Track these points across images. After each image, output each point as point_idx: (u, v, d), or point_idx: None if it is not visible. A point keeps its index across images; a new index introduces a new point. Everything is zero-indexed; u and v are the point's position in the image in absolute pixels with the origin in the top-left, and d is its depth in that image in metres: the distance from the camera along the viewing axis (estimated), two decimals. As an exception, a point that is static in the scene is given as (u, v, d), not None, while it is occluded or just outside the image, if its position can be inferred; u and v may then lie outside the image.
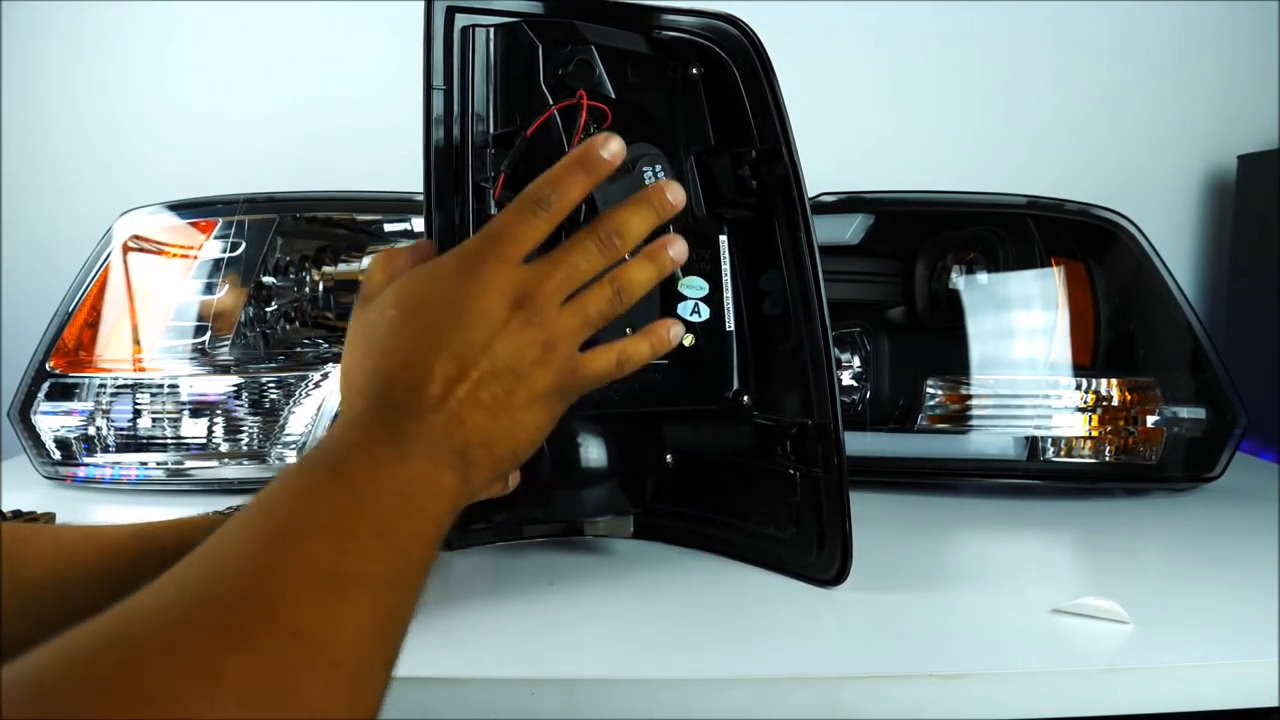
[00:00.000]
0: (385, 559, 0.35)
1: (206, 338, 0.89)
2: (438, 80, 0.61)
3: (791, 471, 0.64)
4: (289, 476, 0.36)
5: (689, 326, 0.64)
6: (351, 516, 0.35)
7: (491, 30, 0.62)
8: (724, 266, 0.66)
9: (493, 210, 0.62)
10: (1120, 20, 1.25)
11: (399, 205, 0.93)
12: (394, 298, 0.45)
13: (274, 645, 0.29)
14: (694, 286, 0.65)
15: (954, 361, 0.89)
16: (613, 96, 0.62)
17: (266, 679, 0.28)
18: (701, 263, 0.65)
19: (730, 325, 0.66)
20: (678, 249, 0.51)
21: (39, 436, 0.89)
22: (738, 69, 0.65)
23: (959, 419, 0.89)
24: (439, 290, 0.45)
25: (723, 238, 0.66)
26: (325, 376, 0.89)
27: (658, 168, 0.59)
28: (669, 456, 0.69)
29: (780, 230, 0.64)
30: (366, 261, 0.94)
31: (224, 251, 0.90)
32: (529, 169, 0.61)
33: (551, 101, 0.59)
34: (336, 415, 0.43)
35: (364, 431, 0.40)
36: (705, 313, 0.65)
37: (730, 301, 0.66)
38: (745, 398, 0.66)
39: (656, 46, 0.66)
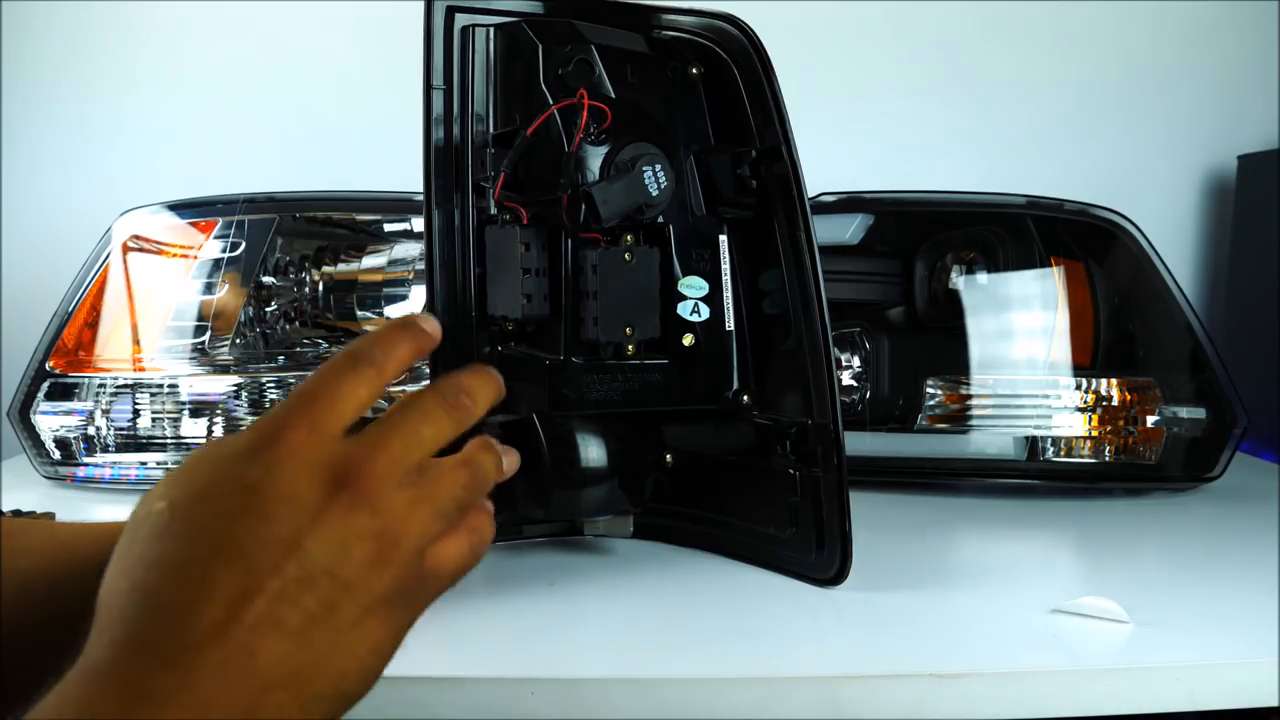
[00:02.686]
0: None
1: (206, 338, 0.89)
2: (438, 80, 0.61)
3: (791, 471, 0.64)
4: None
5: (689, 326, 0.64)
6: None
7: (491, 30, 0.62)
8: (723, 266, 0.66)
9: (493, 210, 0.62)
10: (1120, 20, 1.25)
11: (399, 205, 0.93)
12: (164, 487, 0.33)
13: None
14: (694, 286, 0.65)
15: (954, 361, 0.89)
16: (612, 96, 0.62)
17: None
18: (701, 262, 0.65)
19: (730, 325, 0.66)
20: (511, 460, 0.40)
21: (39, 436, 0.89)
22: (738, 69, 0.65)
23: (959, 419, 0.89)
24: (227, 473, 0.32)
25: (722, 237, 0.66)
26: (325, 376, 0.89)
27: (657, 167, 0.59)
28: (669, 456, 0.69)
29: (780, 230, 0.64)
30: (366, 261, 0.94)
31: (224, 251, 0.90)
32: (529, 169, 0.61)
33: (551, 101, 0.59)
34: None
35: (99, 690, 0.28)
36: (705, 312, 0.65)
37: (730, 301, 0.66)
38: (745, 397, 0.67)
39: (657, 46, 0.66)
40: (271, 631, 0.30)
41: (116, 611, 0.31)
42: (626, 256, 0.61)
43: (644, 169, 0.58)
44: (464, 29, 0.62)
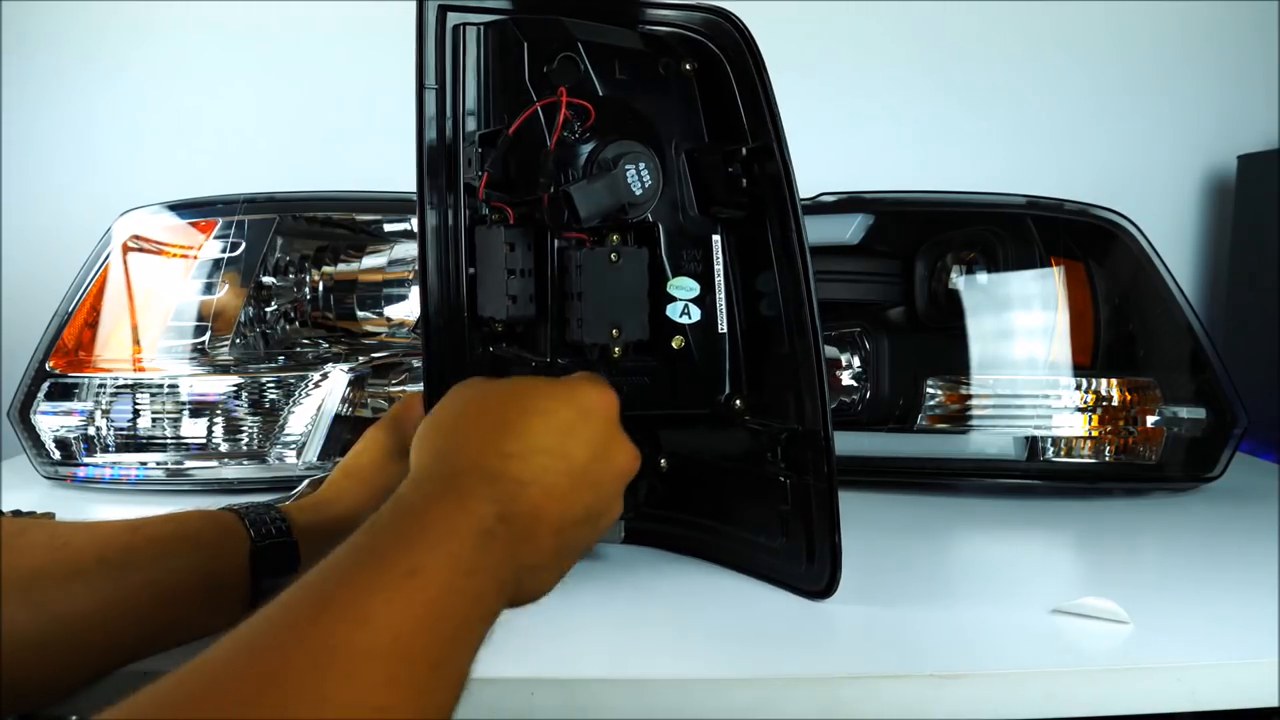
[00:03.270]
0: (439, 687, 0.34)
1: (206, 338, 0.89)
2: (430, 79, 0.61)
3: (782, 479, 0.63)
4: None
5: (678, 329, 0.64)
6: (416, 633, 0.34)
7: (482, 28, 0.62)
8: (716, 267, 0.65)
9: (483, 210, 0.62)
10: (1120, 20, 1.25)
11: (398, 205, 0.93)
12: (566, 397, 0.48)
13: None
14: (684, 288, 0.64)
15: (954, 361, 0.89)
16: (600, 94, 0.61)
17: None
18: (693, 263, 0.64)
19: (723, 327, 0.65)
20: None
21: (39, 436, 0.89)
22: (729, 64, 0.64)
23: (959, 419, 0.89)
24: (559, 389, 0.48)
25: (716, 237, 0.65)
26: (325, 376, 0.89)
27: (641, 165, 0.58)
28: (663, 461, 0.68)
29: (772, 230, 0.63)
30: (366, 261, 0.94)
31: (224, 251, 0.90)
32: (517, 168, 0.61)
33: (535, 99, 0.59)
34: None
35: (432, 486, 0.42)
36: (696, 314, 0.64)
37: (723, 303, 0.65)
38: (737, 402, 0.66)
39: (649, 42, 0.65)
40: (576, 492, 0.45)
41: (441, 447, 0.45)
42: (612, 257, 0.60)
43: (627, 168, 0.58)
44: (455, 28, 0.61)
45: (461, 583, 0.37)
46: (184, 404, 0.88)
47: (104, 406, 0.88)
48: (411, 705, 0.31)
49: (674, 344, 0.63)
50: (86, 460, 0.89)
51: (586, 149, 0.59)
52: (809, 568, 0.62)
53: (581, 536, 0.47)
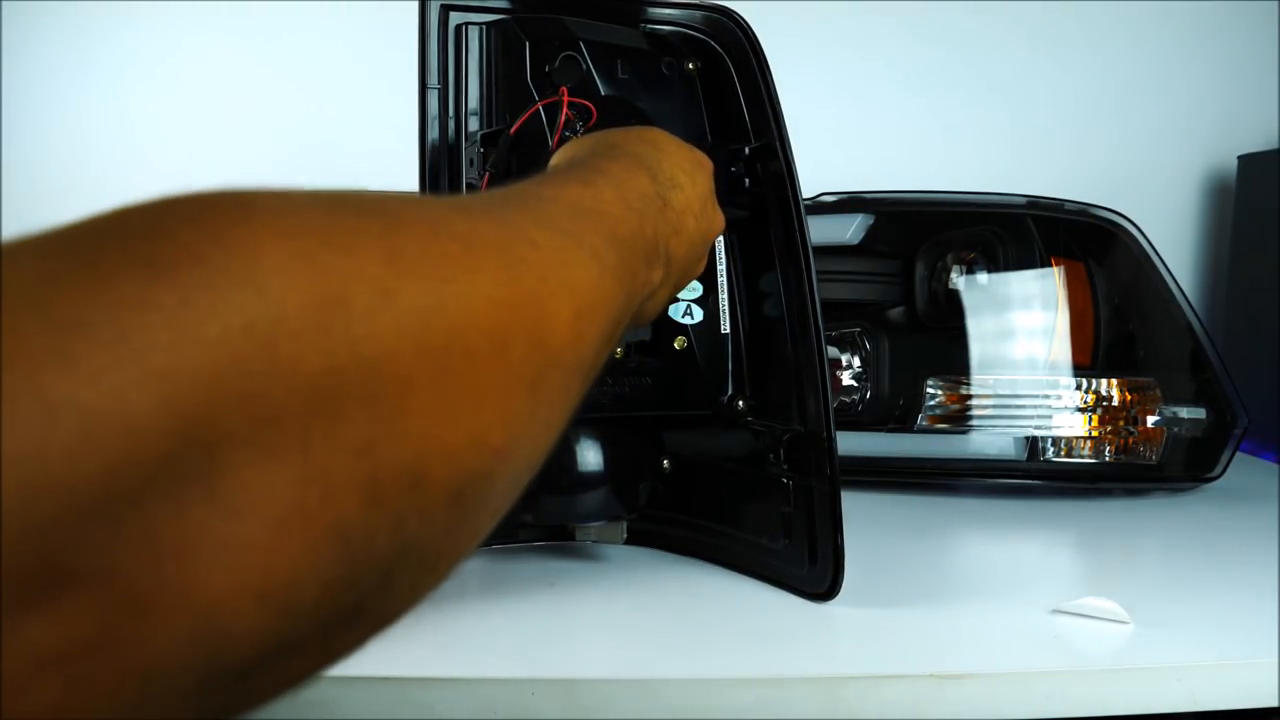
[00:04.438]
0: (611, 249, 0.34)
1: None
2: (432, 79, 0.61)
3: (785, 480, 0.63)
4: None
5: (680, 329, 0.64)
6: (590, 211, 0.35)
7: (484, 28, 0.62)
8: (719, 267, 0.65)
9: None
10: (1120, 20, 1.25)
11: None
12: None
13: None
14: (686, 288, 0.64)
15: (954, 361, 0.89)
16: (601, 93, 0.61)
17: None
18: None
19: (726, 328, 0.65)
20: None
21: (39, 437, 0.89)
22: (732, 63, 0.64)
23: (959, 419, 0.89)
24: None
25: (719, 237, 0.65)
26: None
27: None
28: (666, 462, 0.68)
29: (774, 230, 0.63)
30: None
31: (224, 252, 0.89)
32: (520, 168, 0.61)
33: (537, 98, 0.59)
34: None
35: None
36: (698, 314, 0.64)
37: (725, 303, 0.65)
38: (739, 403, 0.65)
39: (652, 42, 0.65)
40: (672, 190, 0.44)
41: (591, 144, 0.47)
42: None
43: None
44: (458, 27, 0.61)
45: (632, 218, 0.37)
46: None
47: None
48: (592, 257, 0.31)
49: (676, 345, 0.63)
50: (86, 460, 0.89)
51: None
52: (811, 569, 0.61)
53: (690, 268, 0.48)
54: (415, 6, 0.60)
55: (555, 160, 0.48)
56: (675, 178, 0.45)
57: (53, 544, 0.16)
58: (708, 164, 0.51)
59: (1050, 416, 0.88)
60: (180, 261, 0.18)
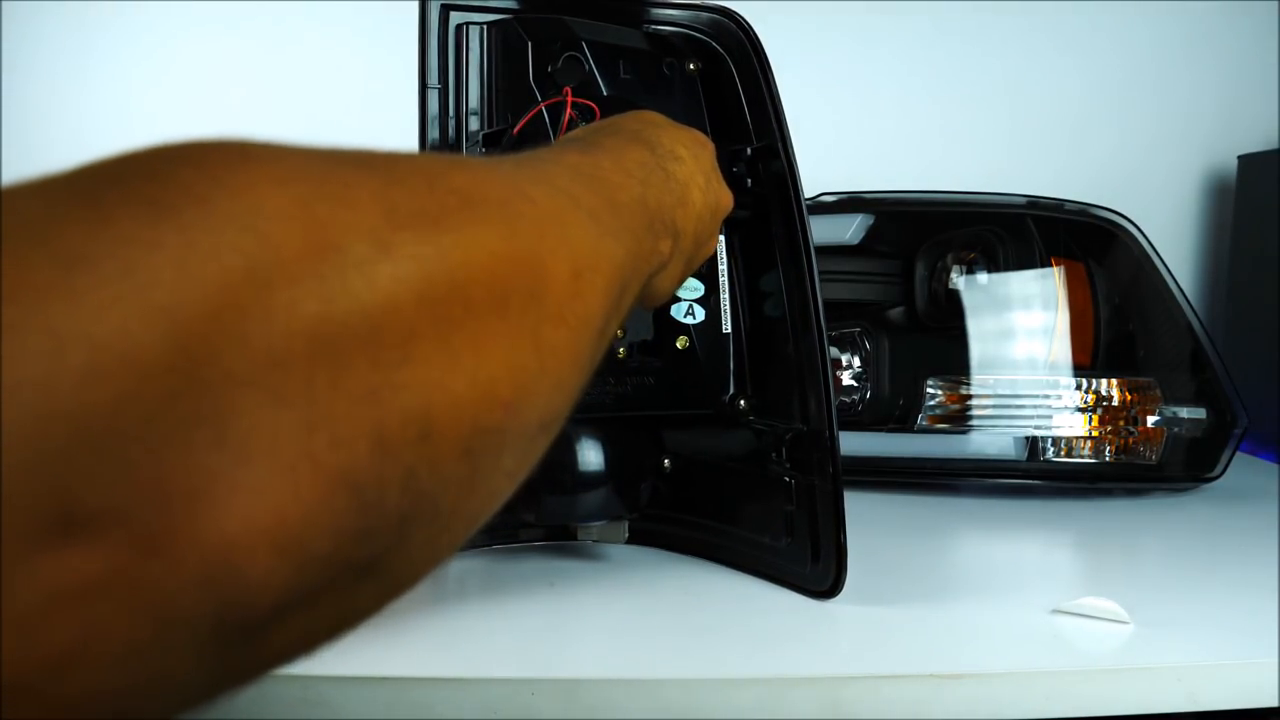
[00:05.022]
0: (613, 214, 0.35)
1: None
2: (432, 79, 0.61)
3: (787, 479, 0.63)
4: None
5: (682, 328, 0.64)
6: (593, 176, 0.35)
7: (485, 28, 0.62)
8: (721, 267, 0.65)
9: None
10: (1120, 20, 1.25)
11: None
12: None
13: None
14: (688, 288, 0.64)
15: (954, 361, 0.89)
16: (604, 94, 0.61)
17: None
18: None
19: (727, 327, 0.65)
20: None
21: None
22: (734, 64, 0.64)
23: (959, 419, 0.89)
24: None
25: (720, 237, 0.65)
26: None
27: None
28: (667, 462, 0.68)
29: (776, 230, 0.63)
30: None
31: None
32: None
33: (540, 99, 0.59)
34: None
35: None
36: (700, 314, 0.64)
37: (727, 303, 0.65)
38: (741, 402, 0.66)
39: (653, 42, 0.65)
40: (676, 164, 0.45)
41: (593, 128, 0.47)
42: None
43: None
44: (458, 27, 0.61)
45: (633, 186, 0.37)
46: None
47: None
48: (590, 219, 0.31)
49: (678, 344, 0.64)
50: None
51: None
52: (814, 568, 0.61)
53: (701, 244, 0.48)
54: (415, 6, 0.60)
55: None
56: (675, 150, 0.45)
57: (63, 478, 0.16)
58: (709, 143, 0.51)
59: (1050, 416, 0.88)
60: (182, 202, 0.19)
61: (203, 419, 0.18)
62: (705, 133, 0.66)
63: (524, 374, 0.25)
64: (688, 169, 0.45)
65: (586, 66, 0.61)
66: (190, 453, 0.17)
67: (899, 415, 0.91)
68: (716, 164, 0.51)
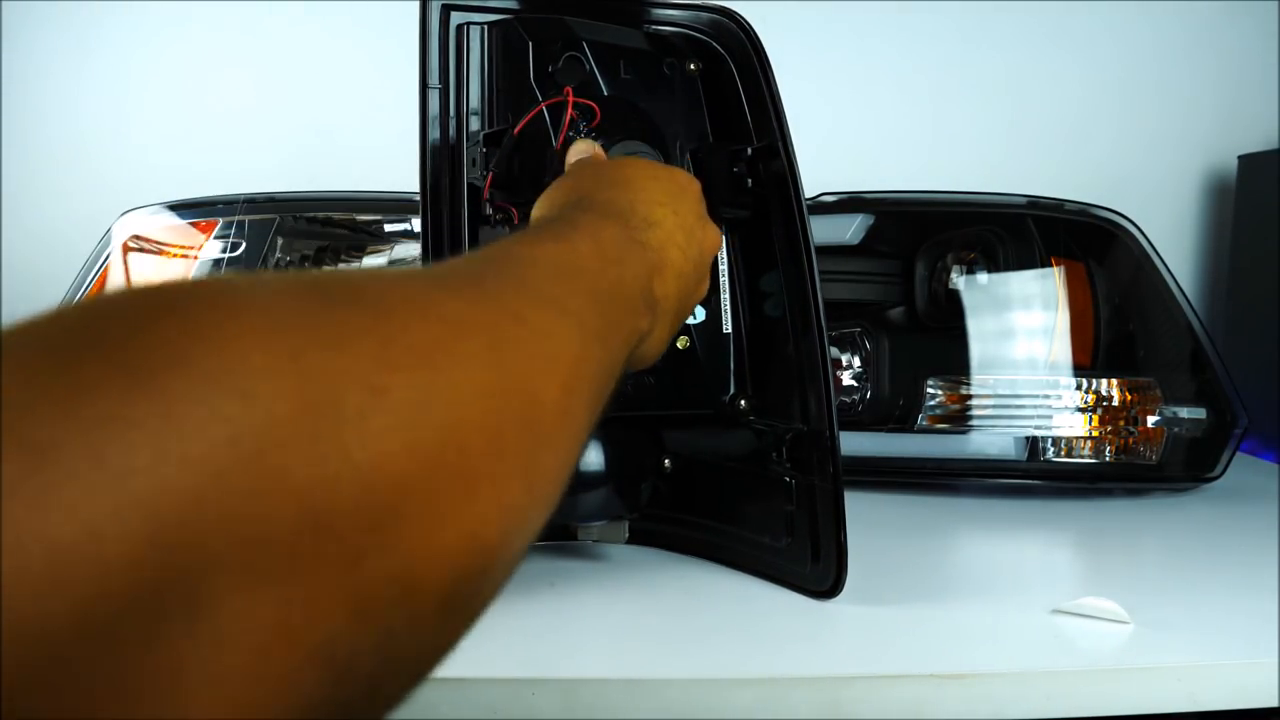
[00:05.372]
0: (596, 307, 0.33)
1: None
2: (433, 79, 0.61)
3: (787, 479, 0.63)
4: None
5: (683, 328, 0.64)
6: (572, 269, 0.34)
7: (485, 28, 0.62)
8: (721, 267, 0.65)
9: (487, 210, 0.62)
10: (1120, 20, 1.25)
11: (399, 205, 0.93)
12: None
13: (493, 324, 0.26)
14: None
15: (954, 361, 0.89)
16: (604, 93, 0.61)
17: (485, 347, 0.24)
18: None
19: (727, 328, 0.65)
20: None
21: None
22: (734, 64, 0.64)
23: (959, 419, 0.89)
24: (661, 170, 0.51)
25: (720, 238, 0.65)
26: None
27: None
28: (667, 461, 0.68)
29: (776, 230, 0.64)
30: (367, 262, 0.94)
31: (224, 251, 0.90)
32: (522, 168, 0.61)
33: (541, 99, 0.59)
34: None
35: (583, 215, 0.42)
36: (700, 314, 0.64)
37: (728, 303, 0.65)
38: (742, 402, 0.66)
39: (654, 42, 0.65)
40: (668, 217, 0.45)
41: (572, 191, 0.46)
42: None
43: None
44: (459, 27, 0.61)
45: (610, 270, 0.37)
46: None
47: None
48: (576, 325, 0.30)
49: (679, 344, 0.64)
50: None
51: None
52: (814, 567, 0.61)
53: (688, 296, 0.47)
54: (416, 6, 0.60)
55: (534, 213, 0.47)
56: (650, 215, 0.44)
57: (17, 694, 0.15)
58: (691, 186, 0.50)
59: (1050, 416, 0.88)
60: (162, 366, 0.17)
61: (175, 611, 0.16)
62: (705, 133, 0.66)
63: (513, 511, 0.24)
64: (664, 231, 0.44)
65: (587, 66, 0.61)
66: (160, 645, 0.16)
67: (899, 415, 0.91)
68: (701, 204, 0.50)
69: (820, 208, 0.92)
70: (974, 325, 0.89)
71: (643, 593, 0.63)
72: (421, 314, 0.23)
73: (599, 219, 0.41)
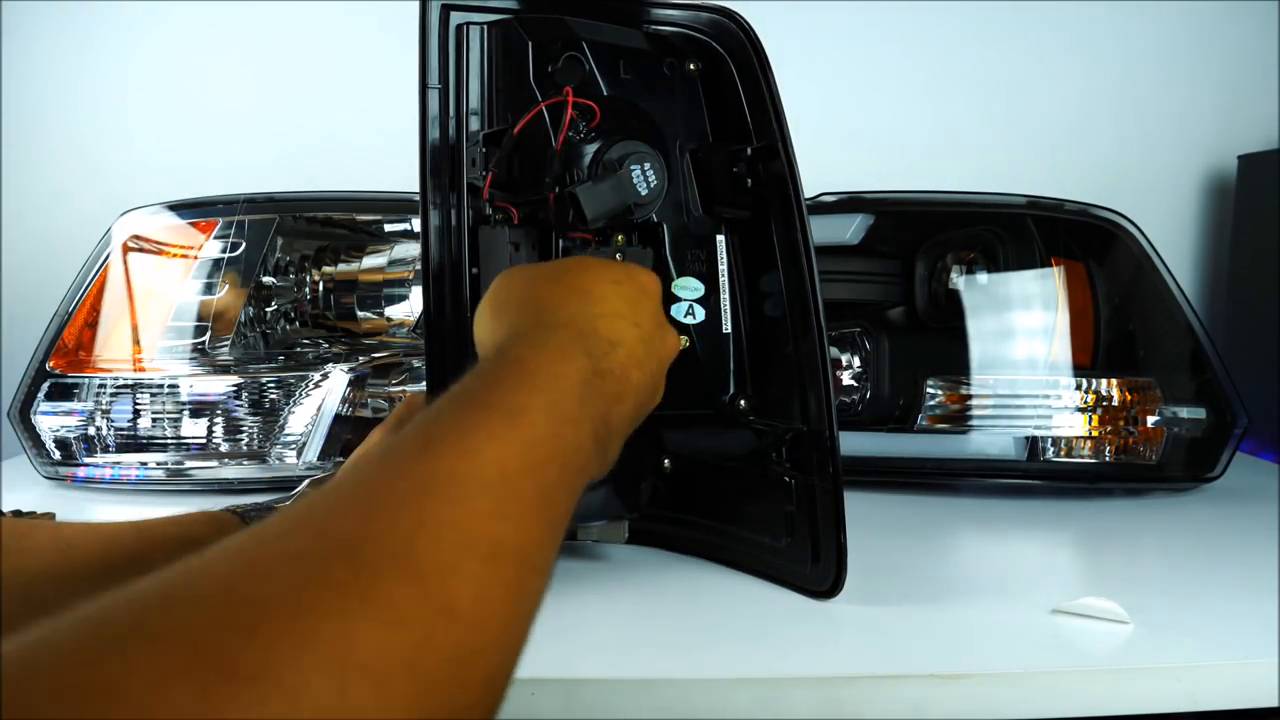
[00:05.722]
0: (542, 529, 0.33)
1: (206, 338, 0.89)
2: (433, 79, 0.61)
3: (787, 479, 0.63)
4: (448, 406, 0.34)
5: (683, 329, 0.64)
6: (521, 472, 0.32)
7: (485, 28, 0.62)
8: (721, 267, 0.65)
9: (487, 209, 0.62)
10: (1120, 20, 1.25)
11: (399, 205, 0.93)
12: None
13: (423, 621, 0.25)
14: (688, 288, 0.64)
15: (954, 361, 0.89)
16: (604, 93, 0.61)
17: (407, 661, 0.23)
18: (697, 264, 0.65)
19: (727, 328, 0.65)
20: None
21: (39, 436, 0.89)
22: (734, 64, 0.64)
23: (959, 419, 0.89)
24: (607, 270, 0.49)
25: (720, 238, 0.65)
26: (325, 376, 0.89)
27: (646, 165, 0.58)
28: (667, 461, 0.68)
29: (776, 230, 0.63)
30: (367, 261, 0.94)
31: (224, 251, 0.90)
32: (521, 168, 0.61)
33: (540, 99, 0.59)
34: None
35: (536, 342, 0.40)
36: (700, 314, 0.64)
37: (727, 303, 0.65)
38: (741, 402, 0.66)
39: (652, 42, 0.65)
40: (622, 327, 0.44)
41: (530, 307, 0.44)
42: (617, 257, 0.61)
43: (632, 168, 0.58)
44: (459, 27, 0.61)
45: (565, 430, 0.36)
46: (184, 404, 0.88)
47: (104, 407, 0.88)
48: (517, 539, 0.30)
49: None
50: (87, 460, 0.89)
51: (591, 149, 0.59)
52: (814, 567, 0.62)
53: (643, 409, 0.46)
54: (416, 6, 0.60)
55: (488, 318, 0.46)
56: (613, 333, 0.43)
57: None
58: (651, 286, 0.49)
59: (1050, 416, 0.88)
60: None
61: None
62: (705, 133, 0.66)
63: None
64: (626, 351, 0.43)
65: (587, 66, 0.61)
66: None
67: (899, 415, 0.91)
68: (659, 306, 0.49)
69: (820, 208, 0.92)
70: (974, 325, 0.89)
71: (643, 593, 0.63)
72: (398, 565, 0.25)
73: (561, 355, 0.39)
